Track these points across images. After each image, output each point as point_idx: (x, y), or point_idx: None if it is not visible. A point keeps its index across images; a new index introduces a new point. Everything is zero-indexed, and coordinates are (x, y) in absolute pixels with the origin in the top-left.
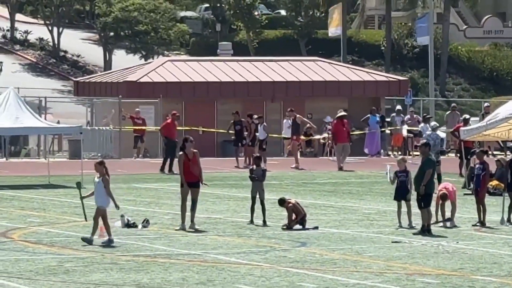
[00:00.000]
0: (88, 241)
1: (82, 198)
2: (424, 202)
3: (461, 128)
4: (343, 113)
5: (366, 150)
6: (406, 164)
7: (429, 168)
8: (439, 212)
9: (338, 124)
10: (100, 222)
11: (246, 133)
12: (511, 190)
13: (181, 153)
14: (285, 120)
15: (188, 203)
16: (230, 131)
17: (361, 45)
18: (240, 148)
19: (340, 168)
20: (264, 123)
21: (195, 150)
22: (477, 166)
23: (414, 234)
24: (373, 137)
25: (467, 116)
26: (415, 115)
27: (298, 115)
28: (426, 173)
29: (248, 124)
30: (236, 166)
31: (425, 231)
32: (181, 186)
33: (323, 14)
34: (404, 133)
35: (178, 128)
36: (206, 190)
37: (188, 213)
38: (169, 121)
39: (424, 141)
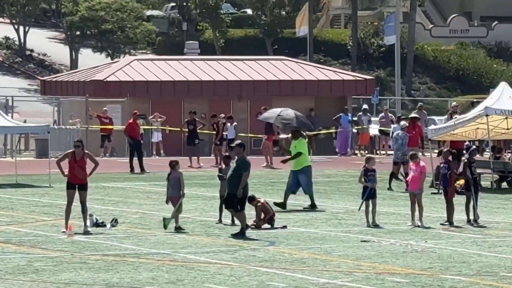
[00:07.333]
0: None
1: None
2: (240, 205)
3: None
4: (414, 114)
5: (337, 149)
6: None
7: (245, 171)
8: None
9: (408, 127)
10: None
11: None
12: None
13: (69, 151)
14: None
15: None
16: (184, 130)
17: (327, 45)
18: (192, 147)
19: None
20: (235, 123)
21: (86, 152)
22: (442, 165)
23: (232, 235)
24: (345, 135)
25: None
26: (390, 114)
27: None
28: (243, 176)
29: (215, 123)
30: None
31: (243, 233)
32: (67, 188)
33: (289, 14)
34: (371, 132)
35: (145, 127)
36: None
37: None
38: (131, 121)
39: (239, 141)
